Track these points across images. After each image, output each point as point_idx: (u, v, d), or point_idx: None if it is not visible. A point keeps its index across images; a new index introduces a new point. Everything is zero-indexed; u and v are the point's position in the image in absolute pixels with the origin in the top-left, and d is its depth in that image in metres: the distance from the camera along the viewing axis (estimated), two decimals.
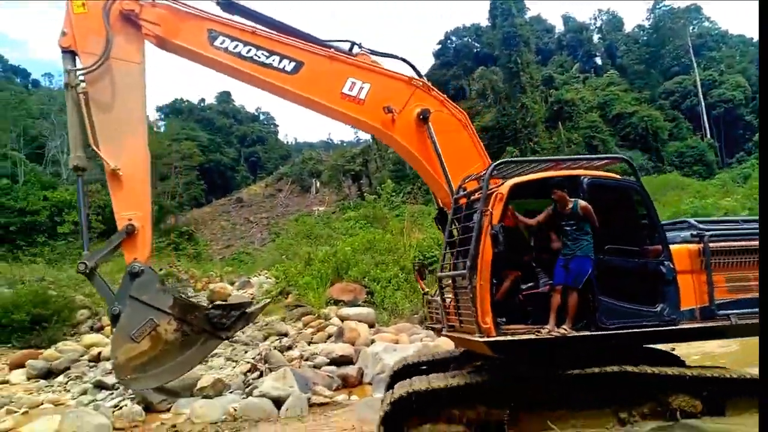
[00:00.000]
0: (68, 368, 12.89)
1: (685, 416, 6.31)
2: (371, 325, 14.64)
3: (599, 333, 6.18)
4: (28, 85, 70.72)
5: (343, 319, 14.85)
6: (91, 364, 13.39)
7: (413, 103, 7.76)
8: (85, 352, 14.01)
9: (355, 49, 8.04)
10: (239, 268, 38.88)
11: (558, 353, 6.26)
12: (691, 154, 53.85)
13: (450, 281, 6.83)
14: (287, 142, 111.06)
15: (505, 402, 6.22)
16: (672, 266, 6.49)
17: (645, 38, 70.84)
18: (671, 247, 6.61)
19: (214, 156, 73.92)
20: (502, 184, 6.61)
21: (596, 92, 61.26)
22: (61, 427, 8.28)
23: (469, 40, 74.21)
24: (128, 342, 6.75)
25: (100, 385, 11.02)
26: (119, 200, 7.15)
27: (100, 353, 13.65)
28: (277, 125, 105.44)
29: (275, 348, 13.01)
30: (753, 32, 67.10)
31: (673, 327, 6.40)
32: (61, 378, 12.31)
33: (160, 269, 26.48)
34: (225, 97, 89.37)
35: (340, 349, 12.01)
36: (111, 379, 11.30)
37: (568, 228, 6.35)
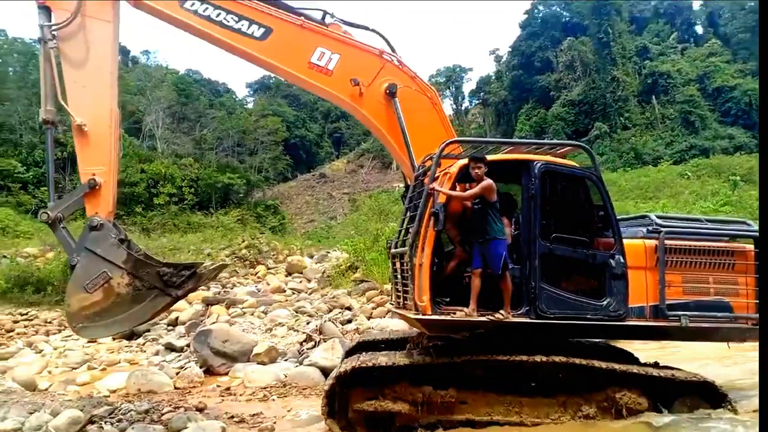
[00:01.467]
0: (148, 330, 13.95)
1: (630, 413, 6.13)
2: None
3: (538, 321, 6.06)
4: (128, 62, 75.22)
5: None
6: (169, 327, 14.45)
7: (382, 77, 7.63)
8: (165, 317, 15.06)
9: (328, 19, 7.96)
10: (320, 241, 40.16)
11: (497, 338, 6.21)
12: None
13: (399, 258, 6.86)
14: None
15: (451, 383, 6.20)
16: (622, 260, 6.27)
17: (752, 4, 64.99)
18: (626, 241, 6.40)
19: (299, 131, 75.84)
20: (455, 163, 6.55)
21: (695, 64, 57.07)
22: (127, 383, 9.14)
23: (558, 9, 71.04)
24: (82, 292, 6.98)
25: (170, 347, 11.94)
26: (84, 155, 7.28)
27: (177, 318, 14.71)
28: None
29: (336, 321, 13.44)
30: None
31: (619, 323, 6.22)
32: (140, 339, 13.37)
33: (243, 240, 27.86)
34: None
35: (395, 325, 12.23)
36: (180, 342, 12.23)
37: (476, 207, 6.22)
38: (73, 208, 7.46)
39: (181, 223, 41.39)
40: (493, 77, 76.17)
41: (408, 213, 6.98)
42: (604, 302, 6.25)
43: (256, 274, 24.20)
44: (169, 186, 45.73)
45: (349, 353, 7.73)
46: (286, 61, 7.71)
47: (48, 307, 15.73)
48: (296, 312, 15.03)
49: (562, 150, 7.08)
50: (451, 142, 6.81)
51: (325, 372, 9.22)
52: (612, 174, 44.23)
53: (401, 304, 6.83)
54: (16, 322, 14.89)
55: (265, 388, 8.99)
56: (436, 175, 6.47)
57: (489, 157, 6.50)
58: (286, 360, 10.55)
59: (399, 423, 6.23)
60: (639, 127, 54.69)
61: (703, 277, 6.55)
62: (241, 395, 8.78)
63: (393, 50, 7.92)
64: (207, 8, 7.54)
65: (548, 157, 6.67)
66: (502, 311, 6.08)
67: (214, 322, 13.63)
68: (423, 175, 6.97)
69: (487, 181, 6.10)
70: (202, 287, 19.01)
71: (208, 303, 15.98)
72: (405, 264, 6.49)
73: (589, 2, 57.61)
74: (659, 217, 6.94)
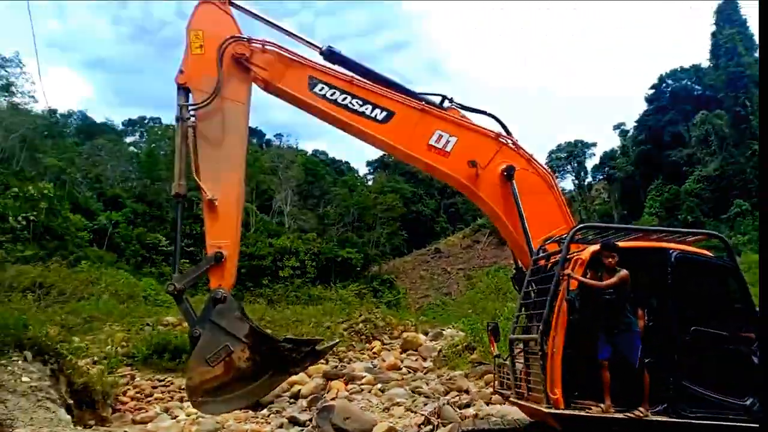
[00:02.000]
0: (272, 402, 14.42)
1: None
2: None
3: (679, 420, 5.64)
4: (263, 144, 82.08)
5: None
6: (291, 400, 14.84)
7: (499, 159, 7.67)
8: (288, 389, 15.51)
9: (446, 103, 8.17)
10: (434, 318, 39.82)
11: None
12: None
13: (521, 345, 6.62)
14: None
15: None
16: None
17: None
18: None
19: (415, 207, 77.37)
20: (584, 249, 6.34)
21: None
22: None
23: (688, 82, 68.53)
24: (203, 365, 7.02)
25: (293, 421, 12.23)
26: (212, 229, 7.49)
27: (299, 391, 15.09)
28: None
29: (454, 404, 13.11)
30: None
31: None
32: (265, 411, 13.82)
33: (360, 315, 28.39)
34: None
35: (516, 413, 11.71)
36: (303, 416, 12.49)
37: (608, 297, 5.89)
38: (197, 280, 7.66)
39: (302, 295, 43.18)
40: (619, 152, 73.91)
41: (532, 298, 6.78)
42: (747, 402, 5.82)
43: (372, 349, 24.37)
44: (293, 259, 48.23)
45: None
46: (405, 142, 7.94)
47: (182, 375, 16.81)
48: (413, 392, 14.84)
49: (693, 238, 6.81)
50: (582, 228, 6.69)
51: None
52: (755, 255, 40.36)
53: (524, 394, 6.53)
54: (154, 387, 15.98)
55: None
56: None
57: (625, 244, 6.31)
58: None
59: None
60: None
61: None
62: None
63: (509, 133, 8.00)
64: (334, 93, 7.93)
65: (684, 246, 6.45)
66: (641, 408, 5.73)
67: (333, 398, 13.81)
68: (545, 258, 6.86)
69: (624, 272, 5.91)
70: (321, 361, 19.50)
71: (328, 378, 16.28)
72: (531, 352, 6.28)
73: (723, 75, 55.03)
74: None
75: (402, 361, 20.95)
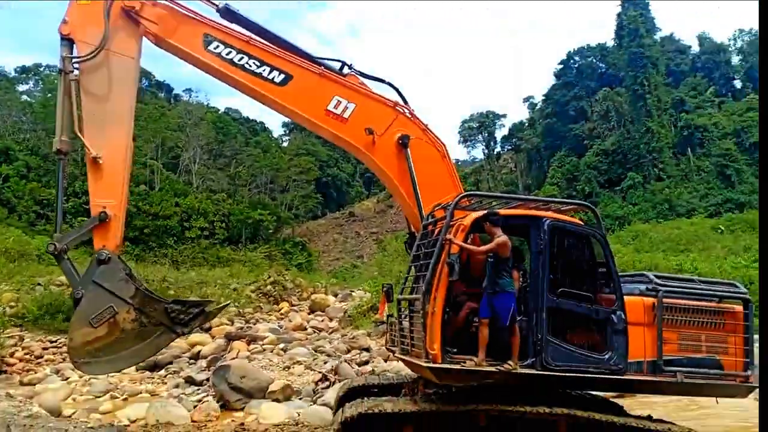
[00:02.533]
0: (170, 363, 14.22)
1: None
2: None
3: (544, 373, 6.15)
4: (171, 99, 78.05)
5: None
6: (191, 361, 14.70)
7: (395, 127, 7.84)
8: (188, 350, 15.36)
9: (346, 70, 8.20)
10: (345, 280, 40.28)
11: (501, 388, 6.28)
12: None
13: (407, 304, 6.98)
14: None
15: (455, 431, 6.26)
16: (623, 316, 6.45)
17: None
18: (626, 298, 6.58)
19: (331, 170, 77.14)
20: (467, 215, 6.69)
21: (732, 118, 56.55)
22: (147, 414, 9.36)
23: (594, 60, 71.81)
24: (86, 326, 6.93)
25: (190, 381, 12.15)
26: (96, 188, 7.29)
27: (199, 352, 14.98)
28: None
29: (353, 362, 13.54)
30: None
31: (619, 376, 6.35)
32: (162, 371, 13.64)
33: (268, 276, 28.21)
34: None
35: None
36: (201, 376, 12.44)
37: (491, 260, 6.32)
38: (81, 239, 7.46)
39: (210, 257, 42.27)
40: (526, 124, 76.76)
41: (419, 260, 7.07)
42: (606, 356, 6.37)
43: (280, 310, 24.46)
44: (201, 220, 46.89)
45: (342, 399, 7.76)
46: (303, 107, 7.92)
47: None
48: (315, 351, 15.17)
49: (567, 208, 7.30)
50: (465, 196, 7.01)
51: None
52: (643, 225, 43.71)
53: (408, 350, 6.90)
54: (45, 348, 15.30)
55: (278, 425, 9.08)
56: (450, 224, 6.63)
57: (503, 212, 6.65)
58: (300, 398, 10.66)
59: None
60: (673, 178, 54.17)
61: (697, 335, 6.78)
62: (254, 431, 8.93)
63: (406, 102, 8.16)
64: (230, 52, 7.74)
65: (556, 214, 6.86)
66: (510, 362, 6.17)
67: (234, 358, 13.86)
68: (433, 224, 7.16)
69: (503, 238, 6.23)
70: (226, 322, 19.40)
71: (230, 338, 16.24)
72: (415, 311, 6.61)
73: (625, 54, 58.03)
74: (657, 277, 7.12)
75: (308, 322, 21.26)
